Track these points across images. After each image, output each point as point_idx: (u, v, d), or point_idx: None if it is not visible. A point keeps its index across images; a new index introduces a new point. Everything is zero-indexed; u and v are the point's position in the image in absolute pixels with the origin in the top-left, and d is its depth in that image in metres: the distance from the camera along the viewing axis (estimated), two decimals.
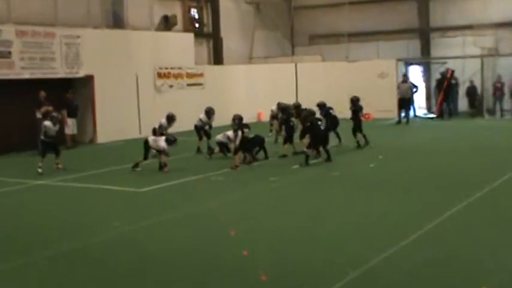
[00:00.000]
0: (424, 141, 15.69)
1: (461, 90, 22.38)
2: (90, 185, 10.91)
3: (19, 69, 15.85)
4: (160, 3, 21.18)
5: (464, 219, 7.70)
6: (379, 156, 13.03)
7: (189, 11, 22.58)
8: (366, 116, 19.97)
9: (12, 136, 15.99)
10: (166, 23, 21.07)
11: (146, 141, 12.16)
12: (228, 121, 13.69)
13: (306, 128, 12.52)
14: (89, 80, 17.61)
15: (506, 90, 21.68)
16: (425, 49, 24.01)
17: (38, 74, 16.24)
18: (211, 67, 22.51)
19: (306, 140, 12.41)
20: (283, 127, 13.96)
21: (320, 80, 22.90)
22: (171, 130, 14.04)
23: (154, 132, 13.79)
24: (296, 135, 13.63)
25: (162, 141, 12.03)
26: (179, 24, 21.70)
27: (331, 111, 14.15)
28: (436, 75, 22.92)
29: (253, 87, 22.79)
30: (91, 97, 17.80)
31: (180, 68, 20.45)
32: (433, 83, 23.18)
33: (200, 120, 14.69)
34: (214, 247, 6.83)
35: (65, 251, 6.90)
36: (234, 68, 23.11)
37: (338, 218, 7.99)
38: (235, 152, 12.43)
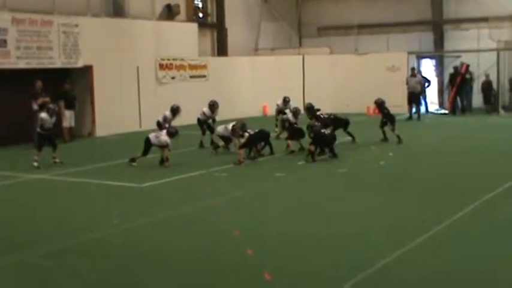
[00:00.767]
0: (435, 139, 15.40)
1: (476, 85, 21.71)
2: (88, 180, 10.73)
3: (14, 59, 15.47)
4: None
5: (472, 224, 7.39)
6: (389, 154, 12.72)
7: (193, 0, 22.00)
8: (376, 111, 19.35)
9: (7, 128, 15.62)
10: (169, 12, 20.66)
11: (147, 139, 11.76)
12: (232, 115, 13.17)
13: (311, 138, 12.18)
14: (87, 70, 17.24)
15: None
16: (438, 42, 23.52)
17: (34, 64, 15.87)
18: (215, 59, 22.09)
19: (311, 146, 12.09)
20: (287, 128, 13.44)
21: (328, 73, 22.47)
22: (174, 123, 13.75)
23: (159, 126, 13.42)
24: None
25: (163, 136, 11.78)
26: (182, 14, 21.36)
27: (318, 113, 13.56)
28: (449, 69, 22.24)
29: (258, 80, 22.36)
30: (90, 88, 17.42)
31: (182, 59, 20.00)
32: (446, 78, 22.52)
33: (203, 113, 14.36)
34: (217, 245, 6.73)
35: (61, 247, 6.79)
36: (239, 59, 22.67)
37: (343, 218, 7.84)
38: (239, 148, 12.04)
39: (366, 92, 21.00)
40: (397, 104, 20.33)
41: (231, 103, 19.72)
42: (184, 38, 20.11)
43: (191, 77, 20.31)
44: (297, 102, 16.19)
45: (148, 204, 8.81)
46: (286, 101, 16.23)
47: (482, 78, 21.64)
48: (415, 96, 20.14)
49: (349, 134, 14.23)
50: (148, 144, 11.77)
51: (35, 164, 11.86)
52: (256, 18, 24.72)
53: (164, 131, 12.04)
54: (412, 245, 6.41)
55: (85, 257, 6.42)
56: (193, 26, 20.88)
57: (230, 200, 8.90)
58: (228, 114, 16.93)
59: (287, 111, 15.09)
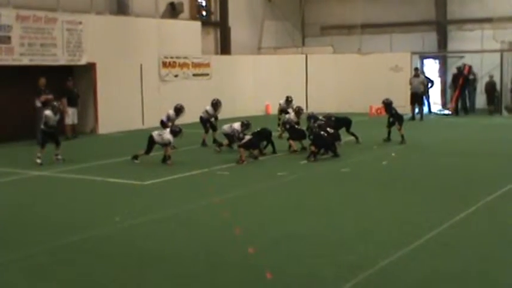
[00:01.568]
0: (437, 140, 15.36)
1: (479, 86, 21.67)
2: (91, 177, 10.73)
3: (18, 55, 15.47)
4: None
5: (474, 225, 7.35)
6: (392, 154, 12.70)
7: None
8: (378, 111, 19.32)
9: (10, 125, 15.64)
10: (173, 11, 20.67)
11: (151, 137, 11.77)
12: (235, 113, 13.15)
13: (311, 140, 12.21)
14: (90, 68, 17.26)
15: None
16: (442, 42, 23.40)
17: (38, 61, 15.89)
18: (218, 57, 22.07)
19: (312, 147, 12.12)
20: (288, 130, 13.42)
21: (331, 73, 22.44)
22: (177, 122, 13.77)
23: (162, 124, 13.44)
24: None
25: (167, 134, 11.78)
26: (186, 12, 21.35)
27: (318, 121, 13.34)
28: (452, 70, 22.18)
29: (261, 79, 22.34)
30: (93, 86, 17.44)
31: (185, 58, 19.99)
32: (449, 78, 22.48)
33: (206, 112, 14.34)
34: (218, 243, 6.70)
35: (63, 244, 6.76)
36: (242, 58, 22.65)
37: (345, 217, 7.81)
38: (239, 146, 12.06)
39: (368, 92, 21.00)
40: (400, 104, 20.34)
41: (234, 102, 19.73)
42: (187, 36, 20.11)
43: (194, 75, 20.31)
44: (299, 101, 16.19)
45: (151, 202, 8.80)
46: (289, 100, 16.22)
47: (486, 79, 21.57)
48: (418, 97, 20.10)
49: (353, 135, 14.20)
50: (151, 142, 11.77)
51: (38, 161, 11.87)
52: (259, 17, 24.70)
53: (168, 130, 12.02)
54: (414, 245, 6.39)
55: (87, 254, 6.40)
56: (197, 25, 20.87)
57: (232, 199, 8.88)
58: (230, 112, 16.94)
59: (290, 110, 15.09)
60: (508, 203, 8.38)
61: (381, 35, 24.08)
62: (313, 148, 11.90)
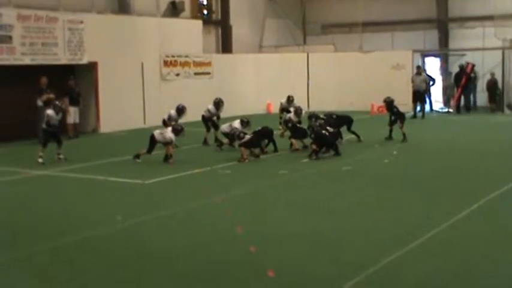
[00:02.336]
0: (439, 138, 15.35)
1: (481, 84, 21.61)
2: (92, 176, 10.73)
3: (20, 55, 15.47)
4: None
5: (475, 224, 7.35)
6: (393, 152, 12.69)
7: None
8: (380, 110, 19.30)
9: (11, 124, 15.62)
10: (174, 9, 20.64)
11: (152, 136, 11.74)
12: (236, 112, 13.15)
13: (312, 139, 12.22)
14: (92, 67, 17.25)
15: None
16: (443, 40, 23.33)
17: (39, 60, 15.88)
18: (219, 56, 22.06)
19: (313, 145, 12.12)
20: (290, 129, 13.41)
21: (332, 71, 22.42)
22: (178, 121, 13.69)
23: (165, 123, 13.47)
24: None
25: (168, 133, 11.76)
26: (187, 11, 21.31)
27: (319, 120, 13.26)
28: (454, 68, 22.14)
29: (262, 77, 22.32)
30: (94, 85, 17.43)
31: (187, 56, 19.98)
32: (448, 75, 22.41)
33: (208, 111, 14.33)
34: (220, 242, 6.70)
35: (64, 243, 6.76)
36: (243, 57, 22.64)
37: (346, 215, 7.80)
38: (240, 145, 12.06)
39: (370, 90, 20.97)
40: (402, 103, 20.32)
41: (235, 100, 19.71)
42: (188, 35, 20.09)
43: (195, 74, 20.30)
44: (301, 100, 16.18)
45: (152, 200, 8.80)
46: (290, 100, 16.22)
47: (487, 77, 21.54)
48: (420, 95, 20.06)
49: (354, 133, 14.18)
50: (152, 141, 11.75)
51: (40, 160, 11.87)
52: (260, 16, 24.67)
53: (170, 128, 12.00)
54: (415, 244, 6.39)
55: (87, 254, 6.39)
56: (198, 23, 20.85)
57: (233, 197, 8.88)
58: (232, 111, 16.93)
59: (291, 109, 15.10)
60: (510, 202, 8.37)
61: (382, 33, 24.06)
62: (314, 146, 11.90)
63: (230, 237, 6.84)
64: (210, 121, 14.27)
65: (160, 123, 14.08)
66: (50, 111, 12.20)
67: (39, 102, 14.88)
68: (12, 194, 9.62)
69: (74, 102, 16.32)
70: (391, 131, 14.29)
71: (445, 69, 23.26)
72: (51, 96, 14.72)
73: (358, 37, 23.61)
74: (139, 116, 18.30)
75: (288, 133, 13.68)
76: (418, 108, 20.02)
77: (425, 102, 20.47)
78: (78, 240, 6.86)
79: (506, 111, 20.82)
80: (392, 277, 5.54)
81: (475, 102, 21.61)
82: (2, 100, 15.50)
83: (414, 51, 21.89)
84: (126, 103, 17.96)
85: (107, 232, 7.18)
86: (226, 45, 22.79)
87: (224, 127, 13.16)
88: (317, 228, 7.14)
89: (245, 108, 19.82)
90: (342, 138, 13.53)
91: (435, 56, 23.79)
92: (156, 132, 11.84)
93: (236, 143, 12.78)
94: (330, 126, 12.65)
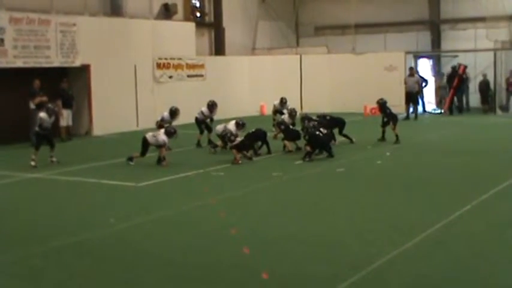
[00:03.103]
0: (432, 139, 15.42)
1: (473, 85, 21.74)
2: (85, 179, 10.69)
3: (12, 58, 15.41)
4: None
5: (469, 223, 7.39)
6: (386, 153, 12.75)
7: None
8: (373, 111, 19.35)
9: (4, 127, 15.57)
10: (167, 12, 20.62)
11: (145, 139, 11.66)
12: (230, 114, 13.15)
13: (306, 140, 12.23)
14: (85, 69, 17.21)
15: None
16: (436, 42, 23.45)
17: (32, 63, 15.84)
18: (212, 58, 22.06)
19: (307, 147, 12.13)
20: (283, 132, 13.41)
21: (325, 73, 22.50)
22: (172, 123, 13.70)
23: (159, 126, 13.47)
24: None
25: (161, 135, 11.71)
26: (180, 13, 21.31)
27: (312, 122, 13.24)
28: (447, 69, 22.24)
29: (256, 80, 22.35)
30: (87, 87, 17.38)
31: (180, 59, 19.97)
32: (440, 76, 22.53)
33: (202, 113, 14.34)
34: (213, 244, 6.69)
35: (57, 246, 6.74)
36: (236, 59, 22.65)
37: (340, 217, 7.83)
38: (231, 148, 12.10)
39: (363, 92, 21.04)
40: (395, 104, 20.40)
41: (229, 102, 19.71)
42: (181, 37, 20.08)
43: (189, 76, 20.30)
44: (294, 102, 16.19)
45: (145, 203, 8.78)
46: (283, 102, 16.24)
47: (480, 78, 21.66)
48: (413, 96, 20.15)
49: (346, 137, 14.15)
50: (145, 145, 11.71)
51: (32, 163, 11.82)
52: (253, 18, 24.70)
53: (162, 130, 11.98)
54: (410, 244, 6.41)
55: (82, 256, 6.38)
56: (191, 26, 20.84)
57: (227, 199, 8.87)
58: (225, 113, 16.91)
59: (284, 111, 15.11)
60: (503, 202, 8.41)
61: (375, 34, 24.15)
62: (308, 148, 11.91)
63: (224, 238, 6.84)
64: (203, 123, 14.27)
65: (153, 125, 14.05)
66: (42, 114, 12.16)
67: (32, 105, 14.83)
68: (5, 198, 9.58)
69: (67, 105, 16.26)
70: (383, 132, 14.34)
71: (437, 71, 23.40)
72: (44, 99, 14.68)
73: (351, 39, 23.67)
74: (132, 118, 18.27)
75: (281, 135, 13.70)
76: (411, 109, 20.10)
77: (418, 103, 20.55)
78: (72, 243, 6.84)
79: (499, 112, 20.94)
80: (386, 277, 5.55)
81: (467, 103, 21.72)
82: None
83: (407, 52, 21.99)
84: (119, 106, 17.92)
85: (100, 235, 7.16)
86: (219, 48, 22.80)
87: (219, 128, 13.16)
88: (311, 229, 7.15)
89: (238, 110, 19.82)
90: (335, 140, 13.55)
91: (428, 57, 23.91)
92: (149, 135, 11.80)
93: (229, 145, 12.77)
94: (323, 127, 12.67)
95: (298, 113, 14.13)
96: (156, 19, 20.16)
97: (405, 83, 20.32)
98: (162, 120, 13.75)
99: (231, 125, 12.68)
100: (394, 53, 21.89)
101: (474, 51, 22.08)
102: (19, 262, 6.26)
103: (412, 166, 11.48)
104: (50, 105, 12.72)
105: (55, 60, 16.33)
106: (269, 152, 12.84)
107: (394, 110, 14.90)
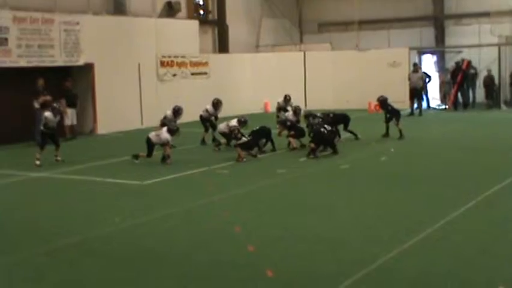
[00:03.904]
0: (436, 135, 15.39)
1: (478, 81, 21.65)
2: (90, 178, 10.71)
3: (16, 57, 15.45)
4: None
5: (473, 220, 7.34)
6: (391, 149, 12.74)
7: None
8: (377, 108, 19.31)
9: (8, 126, 15.58)
10: (170, 10, 20.62)
11: (148, 139, 11.68)
12: (233, 112, 13.14)
13: (311, 136, 12.22)
14: (88, 68, 17.21)
15: None
16: (440, 37, 23.36)
17: (36, 62, 15.87)
18: (216, 56, 22.05)
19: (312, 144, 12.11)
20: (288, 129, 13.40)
21: (329, 69, 22.46)
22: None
23: (163, 124, 13.39)
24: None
25: (164, 133, 11.69)
26: (183, 11, 21.32)
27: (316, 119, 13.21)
28: (451, 64, 22.16)
29: (259, 77, 22.32)
30: (91, 86, 17.40)
31: (183, 57, 19.97)
32: (444, 72, 22.44)
33: (206, 111, 14.34)
34: (218, 242, 6.68)
35: (63, 245, 6.75)
36: (240, 56, 22.63)
37: (345, 213, 7.81)
38: (235, 146, 12.08)
39: (367, 88, 20.99)
40: (399, 100, 20.37)
41: (232, 100, 19.70)
42: (185, 35, 20.08)
43: (192, 74, 20.30)
44: (298, 99, 16.18)
45: (150, 201, 8.79)
46: (287, 99, 16.22)
47: (484, 74, 21.55)
48: (417, 92, 20.10)
49: (351, 132, 14.15)
50: (150, 144, 11.67)
51: (37, 162, 11.85)
52: (257, 15, 24.67)
53: (165, 128, 11.96)
54: (414, 241, 6.40)
55: (87, 255, 6.39)
56: (194, 23, 20.83)
57: (231, 197, 8.87)
58: (229, 111, 16.91)
59: (288, 108, 15.10)
60: (507, 198, 8.38)
61: (379, 31, 24.08)
62: (312, 145, 11.91)
63: (229, 236, 6.83)
64: (208, 121, 14.27)
65: (157, 123, 14.05)
66: (47, 113, 12.18)
67: (36, 104, 14.86)
68: (10, 196, 9.61)
69: (71, 103, 16.31)
70: (387, 128, 14.32)
71: (441, 67, 23.32)
72: (48, 98, 14.70)
73: (354, 35, 23.60)
74: (136, 116, 18.29)
75: (285, 132, 13.69)
76: (415, 105, 20.05)
77: (422, 99, 20.50)
78: (77, 241, 6.86)
79: (503, 107, 20.86)
80: (391, 274, 5.55)
81: (474, 98, 21.62)
82: None
83: (410, 48, 21.95)
84: (123, 104, 17.94)
85: (105, 233, 7.17)
86: (222, 45, 22.78)
87: (221, 126, 13.16)
88: (316, 227, 7.14)
89: (242, 108, 19.82)
90: (339, 136, 13.54)
91: (432, 53, 23.82)
92: (152, 135, 11.78)
93: (233, 143, 12.77)
94: (328, 124, 12.66)
95: (302, 110, 14.12)
96: (159, 17, 20.18)
97: (409, 79, 20.26)
98: (165, 119, 13.77)
99: (234, 123, 12.67)
100: (398, 49, 21.86)
101: (478, 46, 21.98)
102: (24, 260, 6.27)
103: (416, 162, 11.46)
104: (55, 105, 12.73)
105: (59, 59, 16.36)
106: (274, 149, 12.84)
107: (398, 106, 14.87)
